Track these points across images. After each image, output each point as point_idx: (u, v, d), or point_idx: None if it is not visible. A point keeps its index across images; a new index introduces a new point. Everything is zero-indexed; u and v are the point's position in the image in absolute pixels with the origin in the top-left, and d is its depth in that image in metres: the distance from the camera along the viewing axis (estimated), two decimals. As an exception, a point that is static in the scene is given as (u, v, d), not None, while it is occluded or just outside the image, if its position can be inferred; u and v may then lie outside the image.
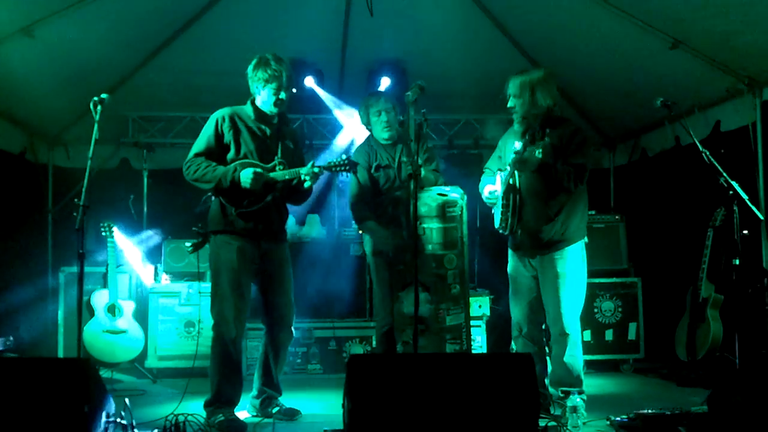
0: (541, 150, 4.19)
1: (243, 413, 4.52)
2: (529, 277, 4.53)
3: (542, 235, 4.37)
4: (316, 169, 4.32)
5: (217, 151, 4.38)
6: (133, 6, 5.52)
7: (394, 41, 6.41)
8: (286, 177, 4.35)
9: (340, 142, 7.09)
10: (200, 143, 4.41)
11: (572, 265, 4.38)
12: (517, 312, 4.60)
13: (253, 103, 4.47)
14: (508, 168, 4.32)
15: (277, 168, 4.38)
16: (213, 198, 4.47)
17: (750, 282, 5.12)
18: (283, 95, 4.38)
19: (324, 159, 6.01)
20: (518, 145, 4.18)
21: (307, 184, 4.37)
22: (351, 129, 6.96)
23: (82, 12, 5.20)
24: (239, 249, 4.36)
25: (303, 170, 4.33)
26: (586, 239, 4.51)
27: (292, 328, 4.64)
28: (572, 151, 4.30)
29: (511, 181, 4.36)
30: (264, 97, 4.41)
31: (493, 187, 4.54)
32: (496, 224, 4.56)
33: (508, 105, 4.41)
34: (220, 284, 4.36)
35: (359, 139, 5.86)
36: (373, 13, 5.27)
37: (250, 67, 4.40)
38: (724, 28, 4.96)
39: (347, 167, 4.40)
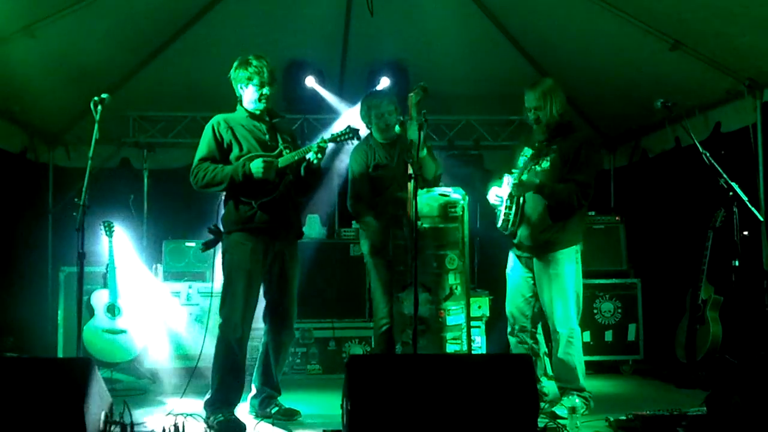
0: (548, 163, 4.49)
1: (242, 413, 4.51)
2: (524, 277, 4.72)
3: (540, 237, 4.56)
4: (322, 143, 4.35)
5: (219, 155, 4.41)
6: (134, 6, 5.53)
7: (395, 42, 6.41)
8: (295, 158, 4.37)
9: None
10: (202, 149, 4.43)
11: (566, 268, 4.54)
12: (511, 309, 4.79)
13: (241, 104, 4.52)
14: (515, 177, 4.51)
15: (283, 153, 4.41)
16: (226, 200, 4.47)
17: (750, 283, 5.11)
18: (266, 90, 4.41)
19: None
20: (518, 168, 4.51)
21: (312, 157, 4.32)
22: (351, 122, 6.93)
23: (83, 12, 5.20)
24: (252, 250, 4.36)
25: (311, 147, 4.36)
26: (580, 244, 4.62)
27: (294, 329, 4.66)
28: (577, 167, 4.47)
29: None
30: (249, 96, 4.44)
31: (498, 190, 4.68)
32: (498, 224, 4.70)
33: (531, 118, 4.60)
34: (233, 285, 4.35)
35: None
36: (373, 13, 5.28)
37: (232, 70, 4.45)
38: (724, 30, 4.96)
39: (351, 135, 4.44)
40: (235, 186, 4.33)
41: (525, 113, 4.65)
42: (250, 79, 4.38)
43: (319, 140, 4.38)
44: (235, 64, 4.44)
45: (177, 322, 6.16)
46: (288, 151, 4.42)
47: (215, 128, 4.42)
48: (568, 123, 4.62)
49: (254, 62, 4.38)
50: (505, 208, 4.62)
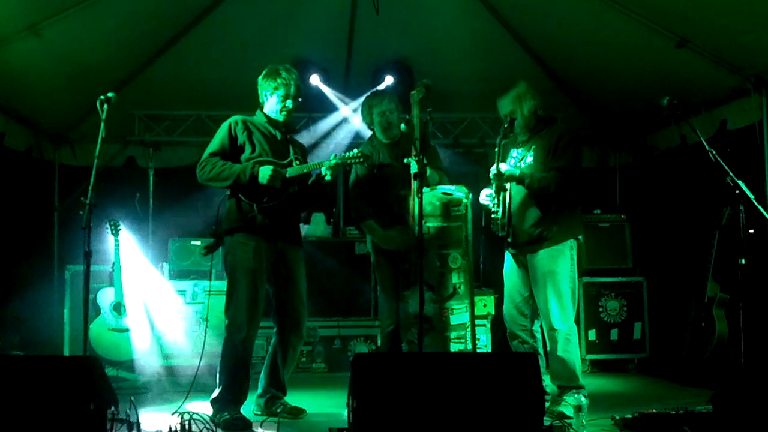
0: (532, 159, 4.52)
1: (248, 411, 4.52)
2: (520, 276, 4.72)
3: (530, 232, 4.56)
4: (334, 162, 4.42)
5: (231, 153, 4.44)
6: (140, 5, 5.54)
7: (400, 40, 6.40)
8: (304, 171, 4.45)
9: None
10: (214, 144, 4.46)
11: (560, 264, 4.51)
12: (509, 310, 4.77)
13: (261, 110, 4.58)
14: (492, 168, 4.54)
15: (293, 163, 4.47)
16: (228, 199, 4.49)
17: (756, 281, 5.09)
18: (290, 103, 4.50)
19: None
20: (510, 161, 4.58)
21: (326, 173, 4.45)
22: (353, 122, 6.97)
23: (89, 11, 5.21)
24: (255, 249, 4.37)
25: (322, 162, 4.45)
26: (580, 238, 4.60)
27: (303, 331, 4.66)
28: (558, 155, 4.48)
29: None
30: (271, 105, 4.52)
31: (488, 190, 4.69)
32: (493, 227, 4.71)
33: (513, 124, 4.62)
34: (236, 286, 4.37)
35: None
36: (378, 11, 5.28)
37: (261, 76, 4.53)
38: (730, 27, 4.95)
39: (361, 161, 4.55)
40: (239, 186, 4.35)
41: (503, 121, 4.64)
42: (276, 89, 4.46)
43: (331, 158, 4.46)
44: (265, 71, 4.52)
45: (182, 321, 6.17)
46: (298, 163, 4.48)
47: (232, 127, 4.47)
48: (549, 118, 4.65)
49: (284, 74, 4.46)
50: (493, 207, 4.63)
